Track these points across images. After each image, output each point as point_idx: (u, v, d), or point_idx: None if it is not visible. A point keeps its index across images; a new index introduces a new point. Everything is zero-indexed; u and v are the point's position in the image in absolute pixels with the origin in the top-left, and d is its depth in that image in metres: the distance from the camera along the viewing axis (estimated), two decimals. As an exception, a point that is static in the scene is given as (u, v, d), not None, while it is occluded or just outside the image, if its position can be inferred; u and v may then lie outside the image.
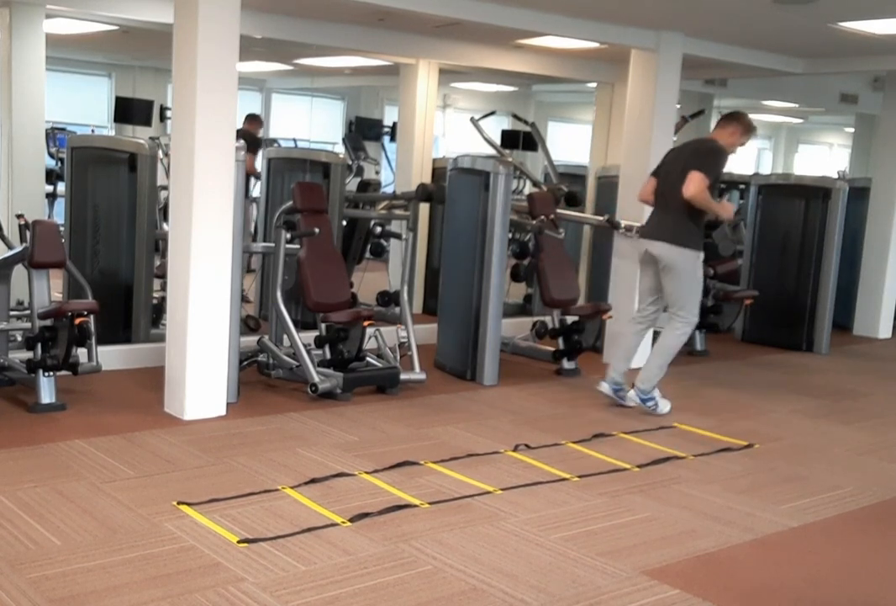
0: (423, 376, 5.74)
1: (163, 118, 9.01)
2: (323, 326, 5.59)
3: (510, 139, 9.91)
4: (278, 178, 7.44)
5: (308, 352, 5.42)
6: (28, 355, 4.93)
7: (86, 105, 10.09)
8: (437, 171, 8.04)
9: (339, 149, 10.34)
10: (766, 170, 15.27)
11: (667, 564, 3.38)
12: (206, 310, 4.87)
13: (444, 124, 11.86)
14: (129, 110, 8.71)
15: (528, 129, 8.69)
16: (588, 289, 7.70)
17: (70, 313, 4.78)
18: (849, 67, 7.72)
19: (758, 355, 7.50)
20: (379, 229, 6.66)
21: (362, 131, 10.71)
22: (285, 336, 5.59)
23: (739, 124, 5.35)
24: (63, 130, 8.62)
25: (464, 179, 6.14)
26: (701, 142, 5.50)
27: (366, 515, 3.65)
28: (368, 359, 5.65)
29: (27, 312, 5.17)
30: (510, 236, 6.22)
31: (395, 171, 8.85)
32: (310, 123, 11.55)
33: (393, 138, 10.11)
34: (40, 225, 4.96)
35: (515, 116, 9.06)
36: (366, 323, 5.48)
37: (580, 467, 4.41)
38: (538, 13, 5.98)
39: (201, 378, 4.89)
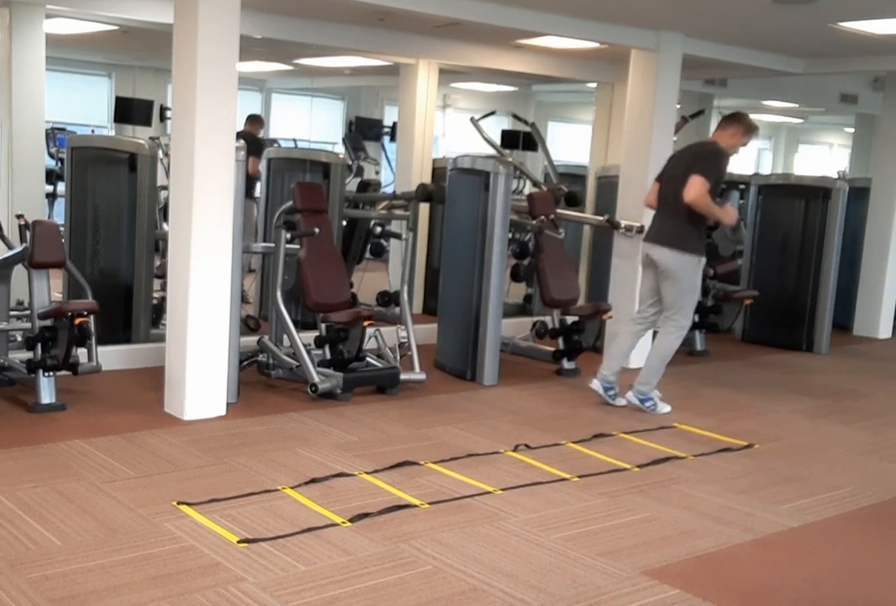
0: (423, 376, 5.74)
1: (163, 118, 9.01)
2: (323, 326, 5.59)
3: (510, 139, 9.91)
4: (278, 178, 7.43)
5: (308, 352, 5.42)
6: (28, 355, 4.93)
7: (86, 105, 10.09)
8: (437, 171, 8.04)
9: (339, 149, 10.35)
10: (766, 170, 15.27)
11: (667, 564, 3.38)
12: (206, 310, 4.87)
13: (444, 124, 11.86)
14: (129, 110, 8.72)
15: (528, 129, 8.69)
16: (588, 289, 7.69)
17: (70, 313, 4.78)
18: (849, 67, 7.72)
19: (758, 355, 7.50)
20: (379, 229, 6.65)
21: (362, 131, 10.72)
22: (285, 336, 5.59)
23: (740, 125, 5.34)
24: (63, 130, 8.63)
25: (464, 179, 6.14)
26: (702, 145, 5.49)
27: (366, 515, 3.65)
28: (368, 359, 5.65)
29: (27, 312, 5.18)
30: (510, 236, 6.21)
31: (395, 171, 8.85)
32: (310, 123, 11.55)
33: (393, 138, 10.11)
34: (40, 225, 4.96)
35: (515, 116, 9.06)
36: (366, 323, 5.48)
37: (580, 467, 4.41)
38: (538, 13, 5.98)
39: (201, 378, 4.89)
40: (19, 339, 5.33)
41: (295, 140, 10.16)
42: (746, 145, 5.45)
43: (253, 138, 7.92)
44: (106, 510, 3.60)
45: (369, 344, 5.64)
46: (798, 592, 3.25)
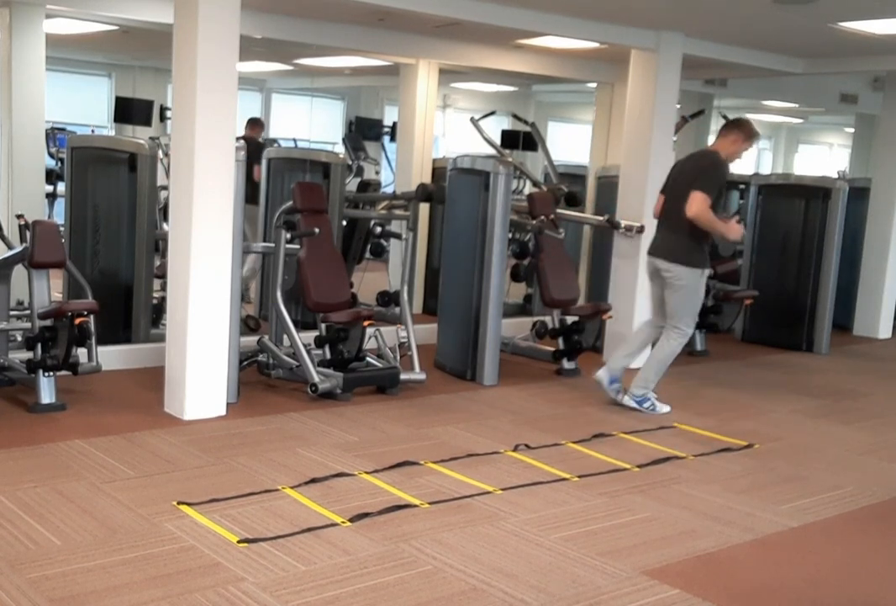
0: (423, 376, 5.74)
1: (163, 118, 8.99)
2: (323, 326, 5.59)
3: (510, 139, 9.91)
4: (278, 178, 7.43)
5: (308, 352, 5.42)
6: (28, 355, 4.94)
7: (86, 105, 10.08)
8: (437, 171, 8.04)
9: (339, 149, 10.34)
10: (766, 170, 15.26)
11: (667, 564, 3.38)
12: (206, 310, 4.87)
13: (444, 124, 11.86)
14: (129, 110, 8.70)
15: (528, 129, 8.70)
16: (588, 289, 7.69)
17: (70, 313, 4.78)
18: (849, 67, 7.72)
19: (758, 355, 7.50)
20: (379, 229, 6.65)
21: (362, 131, 10.71)
22: (285, 336, 5.59)
23: (741, 132, 5.30)
24: (63, 130, 8.62)
25: (464, 179, 6.14)
26: (702, 155, 5.42)
27: (366, 515, 3.65)
28: (368, 359, 5.65)
29: (27, 312, 5.18)
30: (510, 236, 6.22)
31: (395, 171, 8.84)
32: (310, 123, 11.54)
33: (393, 138, 10.10)
34: (40, 225, 4.96)
35: (515, 116, 9.07)
36: (366, 323, 5.48)
37: (580, 467, 4.41)
38: (538, 13, 5.98)
39: (201, 378, 4.89)
40: (19, 339, 5.34)
41: (295, 140, 10.15)
42: (748, 151, 5.45)
43: (255, 144, 7.75)
44: (106, 510, 3.60)
45: (369, 344, 5.64)
46: (798, 592, 3.25)
